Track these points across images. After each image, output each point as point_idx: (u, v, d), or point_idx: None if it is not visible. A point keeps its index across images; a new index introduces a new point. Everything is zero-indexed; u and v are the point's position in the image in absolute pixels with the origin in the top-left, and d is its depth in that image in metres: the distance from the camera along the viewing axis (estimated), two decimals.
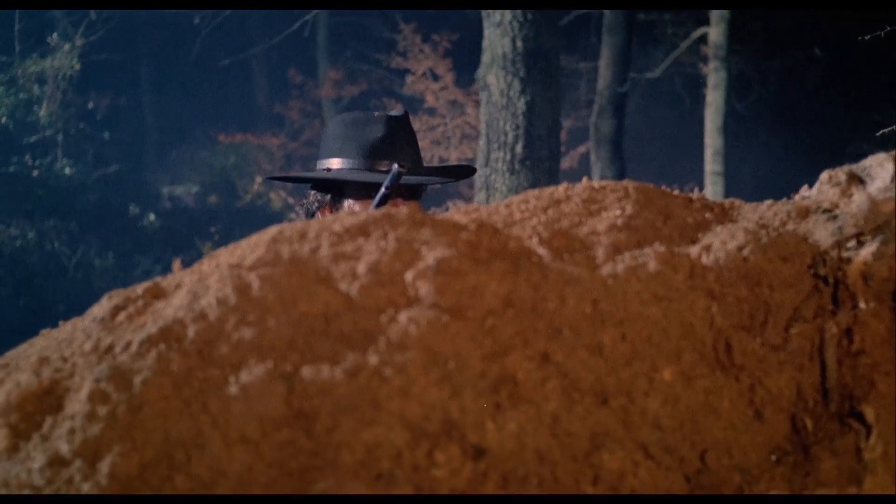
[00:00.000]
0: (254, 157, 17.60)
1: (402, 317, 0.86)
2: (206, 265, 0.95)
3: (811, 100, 19.49)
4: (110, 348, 0.85)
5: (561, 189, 1.07)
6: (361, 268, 0.90)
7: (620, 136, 12.20)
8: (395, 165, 2.02)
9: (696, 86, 16.57)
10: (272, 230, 0.98)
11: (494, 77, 6.58)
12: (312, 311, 0.87)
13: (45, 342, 0.95)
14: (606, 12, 12.00)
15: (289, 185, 19.54)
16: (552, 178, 6.74)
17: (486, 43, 6.68)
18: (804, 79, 18.98)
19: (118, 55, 14.27)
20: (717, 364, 0.90)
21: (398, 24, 15.36)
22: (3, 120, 11.81)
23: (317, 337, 0.85)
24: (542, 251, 0.95)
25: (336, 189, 2.24)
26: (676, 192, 1.09)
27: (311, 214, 2.29)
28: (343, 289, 0.89)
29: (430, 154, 15.58)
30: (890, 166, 1.01)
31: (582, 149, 14.95)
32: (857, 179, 1.03)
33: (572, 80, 14.67)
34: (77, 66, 12.86)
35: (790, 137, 20.14)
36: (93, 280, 11.08)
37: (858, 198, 0.98)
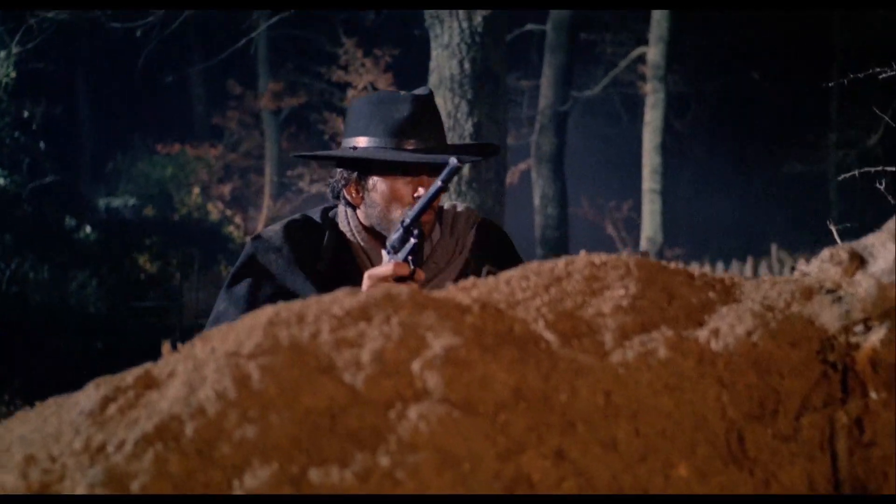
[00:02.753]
0: (192, 168, 17.40)
1: (412, 413, 0.82)
2: (199, 350, 0.91)
3: (746, 118, 19.80)
4: (102, 447, 0.80)
5: (561, 265, 1.04)
6: (366, 357, 0.86)
7: (562, 153, 12.28)
8: (453, 159, 2.00)
9: (635, 104, 16.74)
10: (267, 311, 0.94)
11: (442, 99, 6.56)
12: (317, 405, 0.83)
13: (26, 430, 0.90)
14: (549, 32, 12.07)
15: (226, 196, 19.36)
16: (498, 199, 6.74)
17: (433, 64, 6.66)
18: (740, 98, 19.28)
19: (54, 64, 14.01)
20: (730, 457, 0.88)
21: (340, 37, 15.30)
22: None
23: (323, 435, 0.81)
24: (549, 336, 0.93)
25: (363, 167, 2.28)
26: (675, 266, 1.07)
27: (336, 192, 2.34)
28: (348, 380, 0.85)
29: None
30: (892, 247, 1.00)
31: (523, 165, 15.03)
32: (858, 258, 1.02)
33: (514, 98, 14.73)
34: (13, 75, 12.60)
35: (726, 155, 20.44)
36: (28, 293, 10.86)
37: (866, 282, 0.96)
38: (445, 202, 2.48)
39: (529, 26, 12.26)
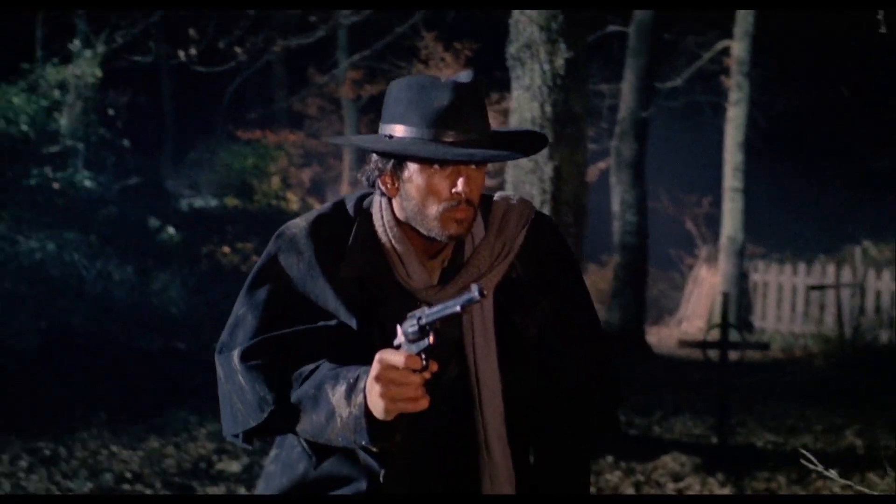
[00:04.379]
0: (272, 157, 17.57)
1: None
2: None
3: (833, 113, 19.39)
4: None
5: None
6: None
7: (642, 159, 12.16)
8: (475, 294, 1.84)
9: (718, 101, 16.49)
10: None
11: None
12: None
13: None
14: (631, 35, 11.92)
15: (305, 183, 19.55)
16: (578, 242, 6.71)
17: (514, 105, 6.64)
18: (826, 93, 18.86)
19: (138, 59, 14.18)
20: None
21: (420, 30, 15.27)
22: (25, 128, 11.81)
23: None
24: None
25: (398, 156, 2.13)
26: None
27: (372, 181, 2.19)
28: None
29: None
30: None
31: (602, 164, 14.92)
32: None
33: (593, 101, 14.58)
34: (99, 74, 12.86)
35: (810, 151, 20.05)
36: (112, 292, 11.11)
37: None
38: (498, 193, 2.33)
39: (611, 28, 12.13)
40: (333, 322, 2.16)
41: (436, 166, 2.10)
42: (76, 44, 13.04)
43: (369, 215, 2.23)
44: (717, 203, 15.86)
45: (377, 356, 1.94)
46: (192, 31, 9.72)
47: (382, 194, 2.19)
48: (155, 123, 20.13)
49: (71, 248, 11.19)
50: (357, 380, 1.98)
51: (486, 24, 15.37)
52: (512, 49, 6.51)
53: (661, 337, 14.33)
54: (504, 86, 14.22)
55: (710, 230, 17.13)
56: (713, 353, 7.49)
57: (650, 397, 9.19)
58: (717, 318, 11.47)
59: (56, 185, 11.66)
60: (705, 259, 16.01)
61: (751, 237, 15.35)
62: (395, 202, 2.19)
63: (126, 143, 13.44)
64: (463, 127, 2.08)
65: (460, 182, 2.10)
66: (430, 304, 2.07)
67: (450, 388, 2.17)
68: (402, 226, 2.20)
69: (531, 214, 2.29)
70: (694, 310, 15.48)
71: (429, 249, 2.21)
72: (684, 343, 8.12)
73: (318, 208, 2.29)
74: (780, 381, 10.65)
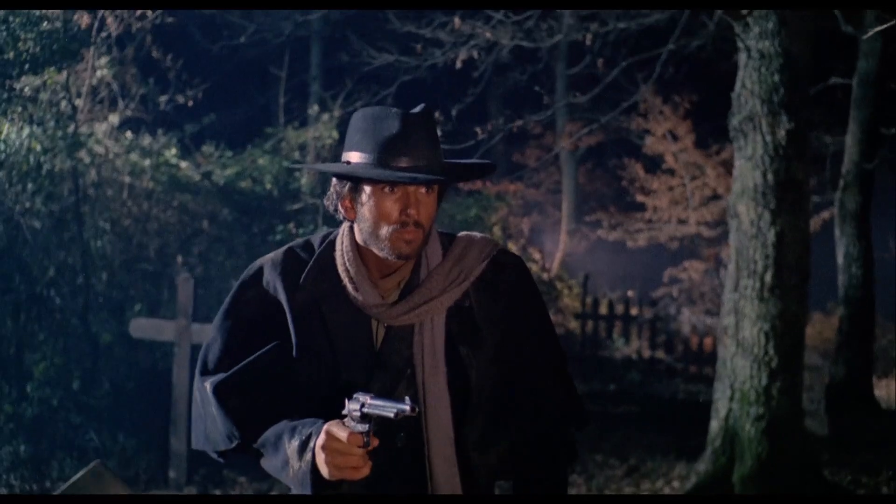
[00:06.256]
0: (493, 207, 18.12)
1: None
2: None
3: None
4: None
5: None
6: None
7: (867, 211, 11.97)
8: (409, 401, 2.07)
9: None
10: None
11: (745, 207, 6.77)
12: None
13: None
14: (854, 86, 11.81)
15: (525, 232, 20.04)
16: (801, 303, 6.87)
17: (736, 173, 6.89)
18: None
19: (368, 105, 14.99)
20: None
21: (638, 84, 15.56)
22: (269, 186, 12.72)
23: None
24: None
25: (354, 180, 2.30)
26: None
27: (334, 206, 2.38)
28: None
29: (669, 215, 15.71)
30: None
31: (825, 214, 14.73)
32: None
33: (816, 151, 14.43)
34: (335, 136, 13.72)
35: None
36: None
37: None
38: (463, 232, 2.48)
39: (834, 80, 12.07)
40: (292, 342, 2.36)
41: (386, 189, 2.27)
42: (315, 108, 14.00)
43: (333, 244, 2.42)
44: None
45: (325, 427, 2.17)
46: (437, 114, 10.37)
47: (344, 218, 2.37)
48: None
49: None
50: (308, 438, 2.20)
51: (705, 77, 15.51)
52: (735, 121, 6.77)
53: (890, 391, 13.94)
54: (724, 135, 14.35)
55: None
56: None
57: (878, 455, 9.07)
58: None
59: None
60: None
61: None
62: (355, 226, 2.37)
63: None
64: (411, 153, 2.26)
65: (409, 205, 2.27)
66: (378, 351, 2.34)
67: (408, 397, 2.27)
68: (360, 248, 2.38)
69: (494, 250, 2.43)
70: None
71: (383, 269, 2.38)
72: None
73: (289, 243, 2.52)
74: None
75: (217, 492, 6.88)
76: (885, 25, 5.59)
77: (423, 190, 2.29)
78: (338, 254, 2.39)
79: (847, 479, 7.94)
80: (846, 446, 9.02)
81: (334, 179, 2.35)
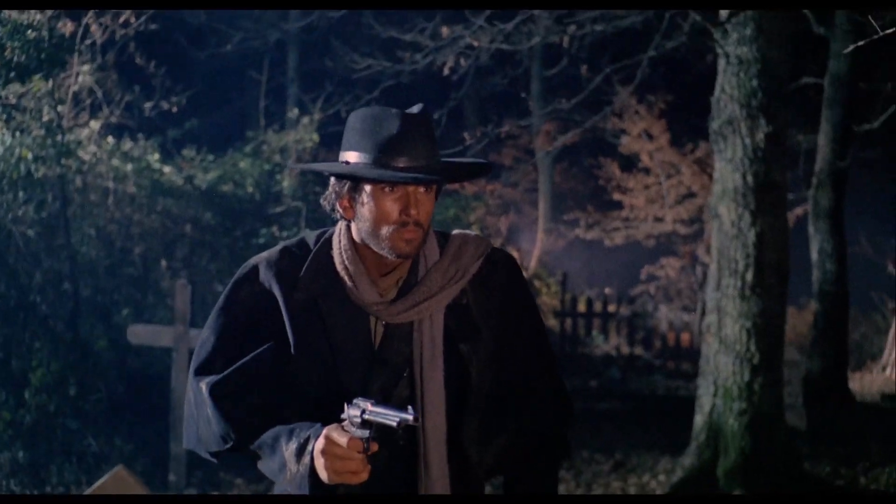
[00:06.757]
0: (471, 207, 18.23)
1: None
2: None
3: None
4: None
5: None
6: None
7: (840, 208, 12.21)
8: (412, 410, 2.09)
9: None
10: None
11: (726, 208, 6.97)
12: None
13: None
14: (826, 86, 12.04)
15: (503, 231, 20.20)
16: (781, 301, 7.07)
17: (717, 175, 7.08)
18: None
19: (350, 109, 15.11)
20: None
21: (614, 84, 15.75)
22: (251, 189, 12.77)
23: None
24: None
25: (354, 180, 2.32)
26: None
27: (332, 205, 2.39)
28: None
29: (646, 213, 15.92)
30: None
31: (799, 211, 14.98)
32: None
33: (791, 152, 14.66)
34: (316, 139, 13.79)
35: None
36: None
37: None
38: (457, 230, 2.47)
39: (806, 80, 12.30)
40: (289, 341, 2.37)
41: (386, 189, 2.28)
42: (295, 112, 14.11)
43: (329, 243, 2.42)
44: None
45: (324, 432, 2.18)
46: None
47: (342, 217, 2.38)
48: None
49: None
50: (307, 441, 2.22)
51: (680, 77, 15.73)
52: (714, 125, 6.97)
53: (864, 384, 14.22)
54: (698, 134, 14.57)
55: None
56: None
57: (854, 447, 9.27)
58: None
59: None
60: None
61: None
62: (352, 225, 2.37)
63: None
64: (410, 153, 2.28)
65: (409, 204, 2.29)
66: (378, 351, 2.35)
67: (399, 404, 2.27)
68: (358, 246, 2.38)
69: (487, 248, 2.45)
70: None
71: (382, 268, 2.39)
72: (887, 397, 8.27)
73: (282, 242, 2.50)
74: None
75: (215, 493, 7.00)
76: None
77: (422, 189, 2.30)
78: (335, 252, 2.40)
79: (826, 471, 8.15)
80: (824, 439, 9.24)
81: (333, 179, 2.35)
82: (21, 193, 8.14)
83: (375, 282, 2.39)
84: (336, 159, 2.42)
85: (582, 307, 16.05)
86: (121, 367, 8.66)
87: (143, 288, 10.67)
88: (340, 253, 2.38)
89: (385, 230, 2.29)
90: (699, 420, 7.31)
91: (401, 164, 2.27)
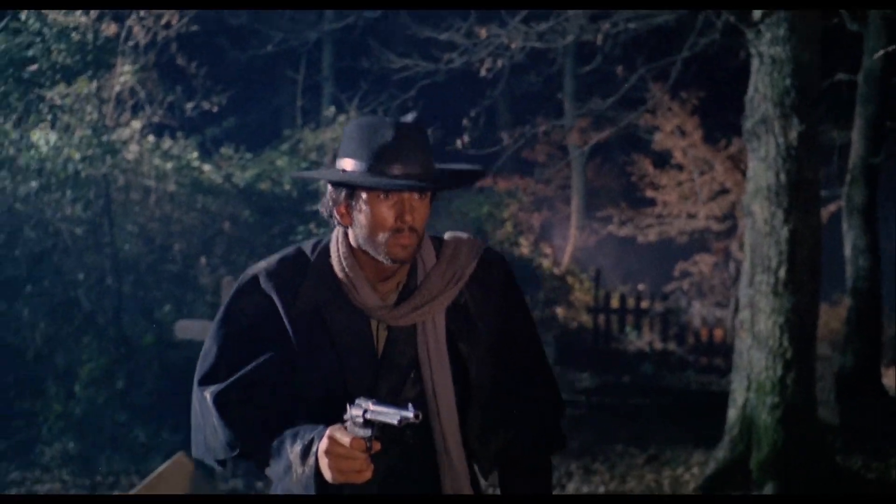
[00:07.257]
0: (505, 204, 18.31)
1: None
2: None
3: None
4: None
5: None
6: None
7: (874, 205, 12.25)
8: (412, 408, 2.11)
9: None
10: None
11: (759, 206, 7.07)
12: None
13: None
14: (860, 83, 12.09)
15: (536, 228, 20.30)
16: (813, 297, 7.16)
17: (749, 174, 7.18)
18: None
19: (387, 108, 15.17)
20: None
21: (647, 82, 15.81)
22: (288, 187, 12.90)
23: None
24: None
25: (350, 187, 2.36)
26: None
27: (329, 212, 2.43)
28: None
29: (679, 209, 15.98)
30: None
31: (832, 207, 14.98)
32: None
33: (824, 148, 14.68)
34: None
35: None
36: None
37: None
38: (449, 232, 2.54)
39: (839, 76, 12.34)
40: (291, 349, 2.41)
41: (382, 196, 2.32)
42: (331, 110, 14.28)
43: (327, 251, 2.46)
44: None
45: (328, 432, 2.20)
46: (465, 121, 10.67)
47: (339, 224, 2.42)
48: None
49: None
50: (311, 442, 2.24)
51: (712, 73, 15.77)
52: (748, 124, 7.07)
53: None
54: (731, 131, 14.59)
55: None
56: None
57: (886, 442, 9.34)
58: None
59: None
60: None
61: None
62: (350, 232, 2.41)
63: None
64: (405, 161, 2.31)
65: (404, 211, 2.33)
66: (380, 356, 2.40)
67: (410, 403, 2.28)
68: (356, 253, 2.42)
69: (481, 249, 2.51)
70: None
71: (380, 273, 2.43)
72: None
73: (280, 252, 2.52)
74: None
75: (260, 484, 7.18)
76: None
77: (416, 196, 2.35)
78: (334, 259, 2.44)
79: (858, 465, 8.23)
80: (856, 433, 9.31)
81: (329, 186, 2.40)
82: (69, 192, 8.35)
83: (375, 287, 2.44)
84: None
85: (615, 303, 16.14)
86: (163, 361, 8.87)
87: (182, 284, 10.85)
88: (340, 260, 2.43)
89: (381, 236, 2.35)
90: (732, 414, 7.41)
91: (395, 172, 2.31)
